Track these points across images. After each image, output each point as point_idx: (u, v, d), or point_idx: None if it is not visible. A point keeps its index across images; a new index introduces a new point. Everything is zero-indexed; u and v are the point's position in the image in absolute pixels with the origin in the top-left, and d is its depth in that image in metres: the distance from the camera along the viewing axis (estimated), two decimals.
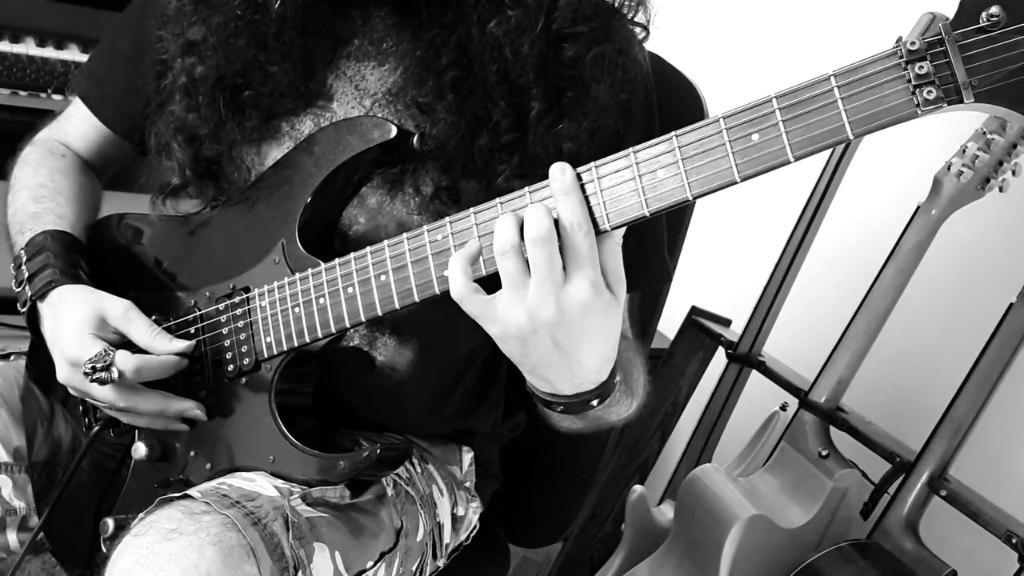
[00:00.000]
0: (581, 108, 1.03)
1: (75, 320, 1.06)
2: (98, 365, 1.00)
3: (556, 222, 0.83)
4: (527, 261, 0.83)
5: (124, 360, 1.01)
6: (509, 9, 1.00)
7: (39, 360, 1.19)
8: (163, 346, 1.05)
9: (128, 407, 1.05)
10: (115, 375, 1.00)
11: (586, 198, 0.84)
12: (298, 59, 1.06)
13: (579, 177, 0.84)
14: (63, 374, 1.07)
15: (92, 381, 1.01)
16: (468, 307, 0.87)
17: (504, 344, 0.88)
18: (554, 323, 0.84)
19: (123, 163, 1.32)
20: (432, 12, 1.03)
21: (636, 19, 1.10)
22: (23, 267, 1.13)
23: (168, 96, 1.10)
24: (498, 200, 0.88)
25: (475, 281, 0.87)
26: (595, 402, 0.93)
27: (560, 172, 0.84)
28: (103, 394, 1.03)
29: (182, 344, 1.06)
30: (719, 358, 1.94)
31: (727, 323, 2.00)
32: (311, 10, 1.05)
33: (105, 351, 1.02)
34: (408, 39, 1.07)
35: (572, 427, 1.01)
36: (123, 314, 1.06)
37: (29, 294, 1.11)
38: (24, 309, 1.14)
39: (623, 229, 0.85)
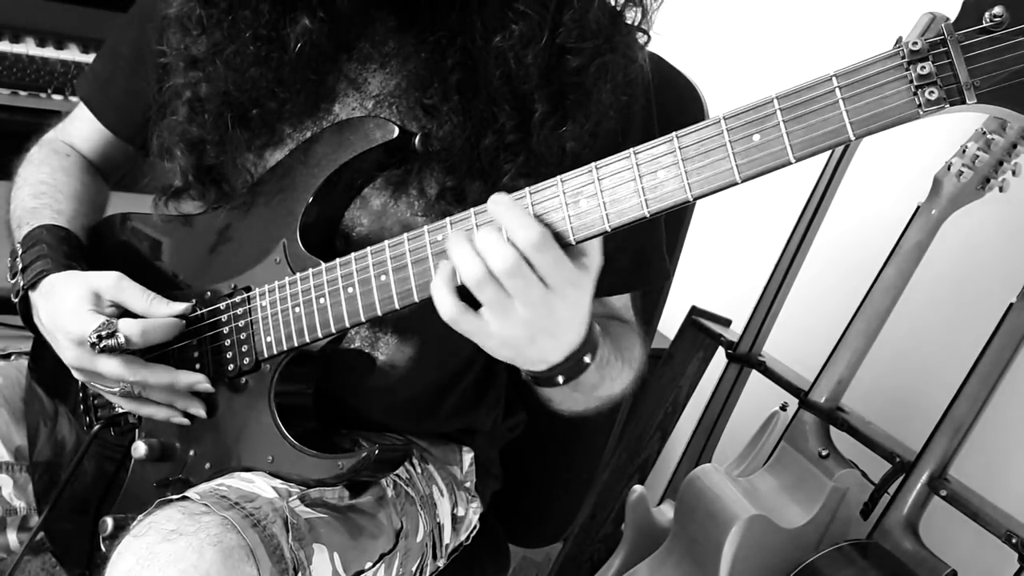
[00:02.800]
0: (584, 110, 1.04)
1: (71, 300, 1.06)
2: (103, 333, 1.00)
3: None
4: (504, 289, 0.85)
5: (128, 325, 1.01)
6: (512, 23, 1.00)
7: (42, 360, 1.19)
8: (161, 309, 1.05)
9: (138, 380, 1.04)
10: (121, 340, 1.00)
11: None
12: (311, 87, 1.07)
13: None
14: (69, 355, 1.06)
15: (101, 351, 1.01)
16: (462, 328, 0.88)
17: (500, 353, 0.90)
18: (548, 322, 0.86)
19: (128, 166, 1.32)
20: (436, 16, 1.03)
21: (639, 26, 1.11)
22: (18, 259, 1.13)
23: (169, 99, 1.10)
24: None
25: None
26: (587, 358, 0.94)
27: (493, 203, 0.86)
28: (112, 368, 1.03)
29: (180, 306, 1.06)
30: (719, 358, 1.94)
31: (727, 323, 2.00)
32: (327, 42, 1.05)
33: (107, 321, 1.02)
34: (410, 42, 1.07)
35: (576, 408, 1.04)
36: (115, 284, 1.06)
37: (21, 284, 1.11)
38: (16, 299, 1.14)
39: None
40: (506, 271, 0.83)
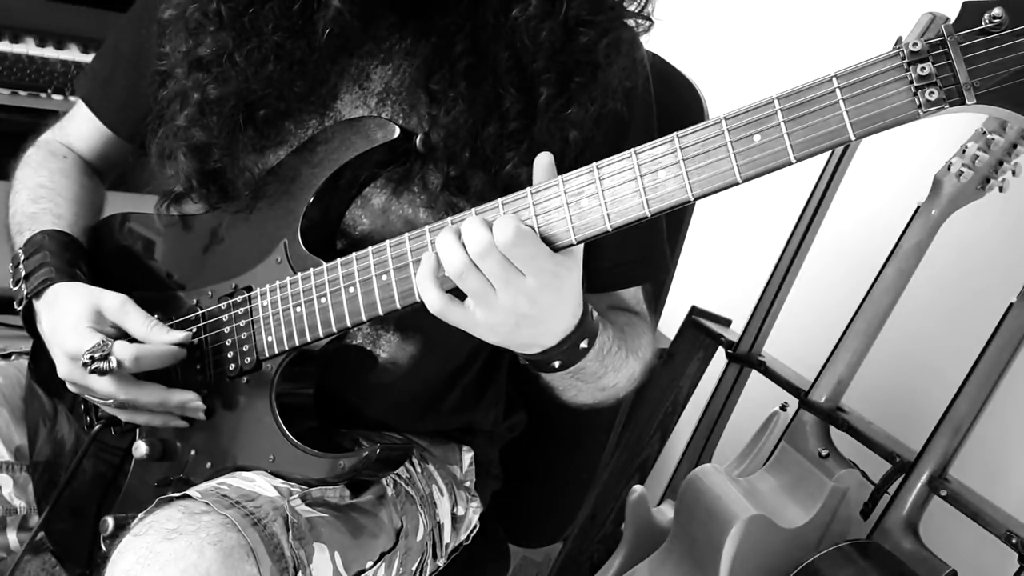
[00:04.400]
0: (589, 93, 1.04)
1: (72, 314, 1.06)
2: (96, 355, 1.01)
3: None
4: (484, 275, 0.86)
5: (122, 349, 1.01)
6: None
7: (42, 361, 1.19)
8: (160, 337, 1.05)
9: (129, 399, 1.04)
10: (113, 364, 1.01)
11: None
12: (326, 78, 1.07)
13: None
14: (63, 369, 1.07)
15: (91, 372, 1.01)
16: (450, 319, 0.90)
17: (489, 339, 0.92)
18: (530, 309, 0.88)
19: (126, 165, 1.32)
20: (445, 3, 1.03)
21: (640, 12, 1.11)
22: (20, 266, 1.13)
23: (170, 104, 1.10)
24: (499, 200, 0.88)
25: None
26: (584, 343, 0.96)
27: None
28: (103, 386, 1.03)
29: (179, 335, 1.06)
30: (719, 358, 1.94)
31: (727, 323, 2.00)
32: (357, 24, 1.04)
33: (103, 342, 1.02)
34: (411, 35, 1.07)
35: (582, 399, 1.06)
36: (120, 307, 1.06)
37: (25, 292, 1.12)
38: (20, 307, 1.14)
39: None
40: (479, 253, 0.85)
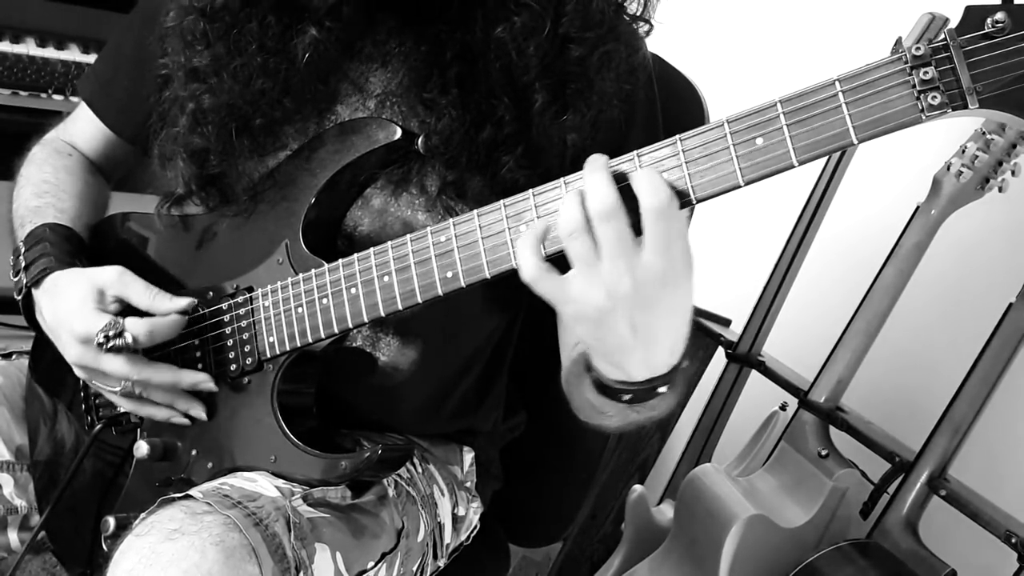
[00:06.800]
0: (585, 99, 1.03)
1: (75, 298, 1.06)
2: (111, 333, 1.01)
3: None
4: (595, 240, 0.79)
5: (135, 324, 1.02)
6: (515, 14, 1.00)
7: (42, 360, 1.19)
8: (165, 305, 1.06)
9: (142, 379, 1.04)
10: (129, 339, 1.01)
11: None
12: (319, 95, 1.07)
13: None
14: (73, 353, 1.06)
15: (108, 351, 1.01)
16: (541, 289, 0.83)
17: (579, 325, 0.84)
18: (632, 298, 0.79)
19: (130, 165, 1.32)
20: (437, 10, 1.03)
21: (641, 16, 1.11)
22: (20, 257, 1.14)
23: (170, 108, 1.10)
24: (501, 202, 0.88)
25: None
26: (663, 389, 0.88)
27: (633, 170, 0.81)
28: (117, 367, 1.03)
29: (183, 301, 1.06)
30: (719, 358, 1.94)
31: (727, 323, 2.00)
32: (335, 49, 1.04)
33: (114, 320, 1.02)
34: (411, 39, 1.07)
35: (612, 423, 0.97)
36: (119, 279, 1.06)
37: (24, 281, 1.12)
38: (19, 296, 1.14)
39: (687, 210, 0.82)
40: (603, 212, 0.78)
